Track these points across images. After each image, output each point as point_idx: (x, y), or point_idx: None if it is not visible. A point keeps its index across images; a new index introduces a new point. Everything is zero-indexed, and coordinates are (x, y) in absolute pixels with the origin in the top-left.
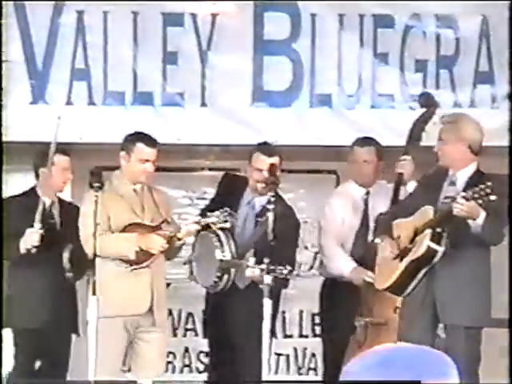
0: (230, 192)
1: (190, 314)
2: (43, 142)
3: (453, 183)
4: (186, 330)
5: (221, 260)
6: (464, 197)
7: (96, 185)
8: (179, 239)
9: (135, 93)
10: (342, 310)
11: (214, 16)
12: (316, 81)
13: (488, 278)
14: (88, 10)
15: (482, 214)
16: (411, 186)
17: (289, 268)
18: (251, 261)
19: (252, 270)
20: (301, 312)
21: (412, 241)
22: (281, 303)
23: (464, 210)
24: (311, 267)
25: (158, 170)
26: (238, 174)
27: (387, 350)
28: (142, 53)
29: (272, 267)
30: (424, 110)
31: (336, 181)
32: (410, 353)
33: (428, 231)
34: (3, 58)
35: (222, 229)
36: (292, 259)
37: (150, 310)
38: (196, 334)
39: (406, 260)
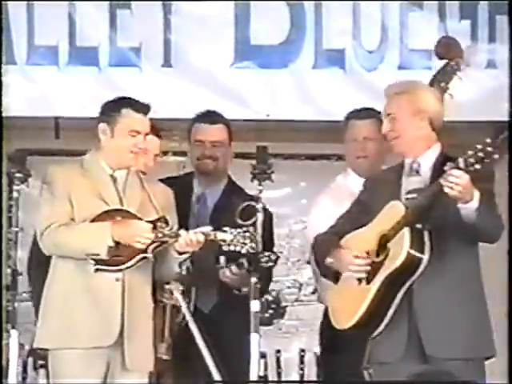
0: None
1: None
2: None
3: (415, 172)
4: None
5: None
6: (458, 166)
7: (18, 175)
8: (176, 251)
9: (72, 48)
10: (348, 351)
11: None
12: (323, 32)
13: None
14: None
15: (476, 194)
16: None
17: (275, 254)
18: (222, 260)
19: (227, 271)
20: (302, 351)
21: (379, 253)
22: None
23: (460, 186)
24: (315, 290)
25: None
26: (176, 175)
27: None
28: None
29: (256, 256)
30: (445, 61)
31: None
32: None
33: (405, 231)
34: None
35: None
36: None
37: (120, 341)
38: None
39: (378, 279)
